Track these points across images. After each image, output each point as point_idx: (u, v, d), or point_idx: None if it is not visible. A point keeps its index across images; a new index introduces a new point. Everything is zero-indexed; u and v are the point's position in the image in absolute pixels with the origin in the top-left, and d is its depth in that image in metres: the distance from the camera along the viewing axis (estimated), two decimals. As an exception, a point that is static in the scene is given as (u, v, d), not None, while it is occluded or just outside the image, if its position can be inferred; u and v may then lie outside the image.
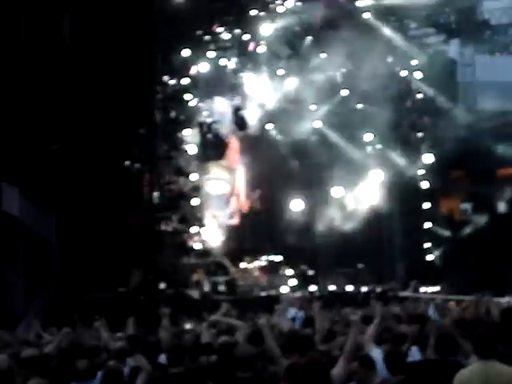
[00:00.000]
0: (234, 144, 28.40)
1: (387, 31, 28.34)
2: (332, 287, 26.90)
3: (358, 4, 27.57)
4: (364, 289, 26.71)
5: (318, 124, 28.76)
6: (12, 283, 20.77)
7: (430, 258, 28.93)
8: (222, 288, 24.59)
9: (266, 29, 26.64)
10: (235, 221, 28.50)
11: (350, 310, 14.57)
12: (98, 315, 11.95)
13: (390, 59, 28.41)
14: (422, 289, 26.49)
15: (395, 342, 8.43)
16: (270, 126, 28.70)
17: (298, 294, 19.45)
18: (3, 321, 18.28)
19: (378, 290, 26.34)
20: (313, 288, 26.06)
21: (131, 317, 11.50)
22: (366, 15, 27.80)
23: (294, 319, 11.82)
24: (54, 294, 21.08)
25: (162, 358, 8.76)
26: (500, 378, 6.70)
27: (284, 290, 23.91)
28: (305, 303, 14.10)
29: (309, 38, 27.63)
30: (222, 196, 28.16)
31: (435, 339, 7.84)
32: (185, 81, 25.63)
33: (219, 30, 26.24)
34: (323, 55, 28.06)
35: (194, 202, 25.30)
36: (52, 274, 21.39)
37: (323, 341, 9.27)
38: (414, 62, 28.75)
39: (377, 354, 7.84)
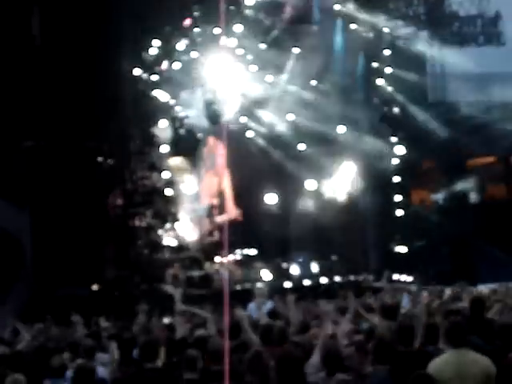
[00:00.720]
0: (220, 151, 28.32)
1: (356, 24, 28.45)
2: (306, 280, 27.02)
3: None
4: (338, 280, 26.89)
5: (291, 117, 28.84)
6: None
7: (402, 248, 29.14)
8: (196, 282, 24.63)
9: (237, 23, 26.63)
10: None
11: (324, 302, 14.66)
12: (72, 311, 11.99)
13: (360, 52, 28.54)
14: (395, 279, 26.71)
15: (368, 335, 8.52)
16: (243, 120, 28.74)
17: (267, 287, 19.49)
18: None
19: (352, 280, 26.55)
20: (287, 281, 26.17)
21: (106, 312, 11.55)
22: (337, 7, 27.90)
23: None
24: (27, 291, 21.01)
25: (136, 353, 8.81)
26: (473, 365, 6.82)
27: (259, 283, 23.98)
28: (277, 296, 14.20)
29: (279, 32, 27.64)
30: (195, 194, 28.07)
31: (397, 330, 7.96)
32: (156, 76, 25.58)
33: (190, 24, 26.17)
34: (295, 49, 28.13)
35: (168, 197, 25.29)
36: (25, 271, 21.32)
37: (298, 333, 9.36)
38: (383, 54, 28.89)
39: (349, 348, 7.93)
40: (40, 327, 10.78)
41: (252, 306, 14.26)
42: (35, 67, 21.67)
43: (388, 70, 28.93)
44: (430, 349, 7.83)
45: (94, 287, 22.16)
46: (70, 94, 21.65)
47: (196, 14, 26.22)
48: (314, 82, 28.39)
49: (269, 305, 13.32)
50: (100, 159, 23.38)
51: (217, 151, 28.08)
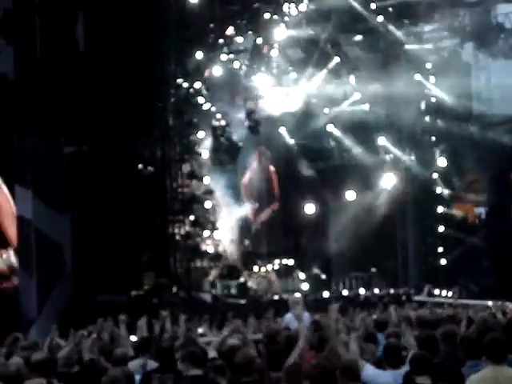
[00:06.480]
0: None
1: (401, 34, 28.24)
2: (345, 291, 26.85)
3: (371, 7, 27.49)
4: (377, 292, 26.70)
5: (331, 127, 28.72)
6: (25, 286, 20.84)
7: (443, 262, 28.79)
8: (234, 291, 24.62)
9: (279, 32, 26.61)
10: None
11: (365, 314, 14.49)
12: (112, 317, 12.02)
13: (403, 62, 28.32)
14: (436, 293, 26.44)
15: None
16: (283, 130, 28.66)
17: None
18: (16, 324, 18.36)
19: (392, 293, 26.35)
20: (326, 292, 26.04)
21: (143, 319, 11.51)
22: (380, 18, 27.72)
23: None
24: (67, 297, 21.12)
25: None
26: (510, 383, 6.66)
27: (296, 294, 23.88)
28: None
29: (323, 41, 27.55)
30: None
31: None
32: (198, 84, 25.65)
33: (232, 33, 26.22)
34: (336, 59, 28.01)
35: (207, 205, 25.31)
36: (65, 277, 21.44)
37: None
38: (427, 66, 28.65)
39: (369, 369, 7.73)
40: (83, 334, 10.72)
41: (289, 316, 14.06)
42: (78, 73, 21.82)
43: (432, 80, 28.65)
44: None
45: (134, 293, 22.23)
46: (112, 100, 21.78)
47: (239, 22, 26.25)
48: (355, 93, 28.22)
49: (306, 316, 13.07)
50: (140, 166, 23.48)
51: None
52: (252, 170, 28.49)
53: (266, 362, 7.88)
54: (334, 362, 7.27)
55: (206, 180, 25.51)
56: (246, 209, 27.62)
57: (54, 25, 21.37)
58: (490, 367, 6.76)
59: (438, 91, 28.70)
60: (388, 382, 7.53)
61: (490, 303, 16.14)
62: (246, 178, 28.46)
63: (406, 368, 7.55)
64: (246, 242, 27.23)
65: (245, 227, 27.62)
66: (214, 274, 24.97)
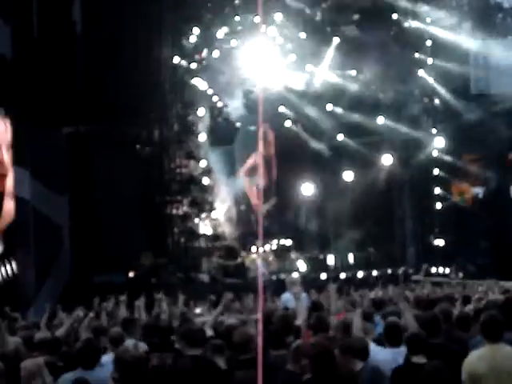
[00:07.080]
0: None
1: (398, 14, 28.16)
2: (342, 272, 26.90)
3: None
4: (375, 273, 26.75)
5: (330, 107, 28.68)
6: (23, 267, 20.86)
7: (441, 242, 28.85)
8: (231, 272, 24.65)
9: (277, 12, 26.51)
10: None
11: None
12: (109, 298, 12.02)
13: (402, 42, 28.24)
14: (433, 272, 26.50)
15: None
16: (281, 109, 28.62)
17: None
18: (15, 304, 18.39)
19: (390, 273, 26.40)
20: (324, 273, 26.08)
21: (141, 299, 11.51)
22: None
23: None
24: (65, 278, 21.17)
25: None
26: (507, 360, 6.69)
27: (294, 274, 23.92)
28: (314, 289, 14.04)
29: (320, 21, 27.47)
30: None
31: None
32: (195, 64, 25.56)
33: (229, 12, 26.11)
34: (335, 38, 27.93)
35: (205, 183, 25.32)
36: (63, 257, 21.47)
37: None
38: (426, 44, 28.58)
39: (371, 346, 7.75)
40: (79, 315, 10.72)
41: (287, 295, 14.04)
42: (75, 53, 21.77)
43: (430, 61, 28.60)
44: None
45: (131, 274, 22.27)
46: (109, 80, 21.74)
47: (236, 2, 26.13)
48: (353, 72, 28.20)
49: (304, 297, 13.05)
50: (138, 146, 23.47)
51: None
52: (257, 154, 28.25)
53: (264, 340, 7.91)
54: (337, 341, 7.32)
55: (204, 161, 25.49)
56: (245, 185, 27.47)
57: (50, 4, 21.28)
58: (487, 346, 6.79)
59: (436, 70, 28.65)
60: (387, 359, 7.54)
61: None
62: (251, 161, 28.23)
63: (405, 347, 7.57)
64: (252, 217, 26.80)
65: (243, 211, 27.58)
66: (214, 255, 24.99)
